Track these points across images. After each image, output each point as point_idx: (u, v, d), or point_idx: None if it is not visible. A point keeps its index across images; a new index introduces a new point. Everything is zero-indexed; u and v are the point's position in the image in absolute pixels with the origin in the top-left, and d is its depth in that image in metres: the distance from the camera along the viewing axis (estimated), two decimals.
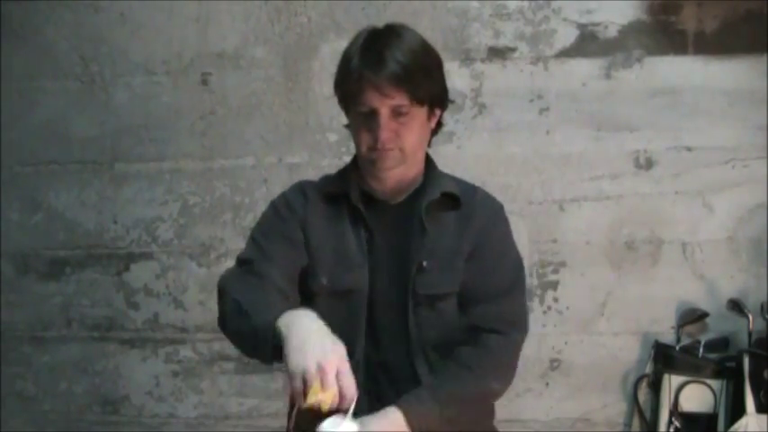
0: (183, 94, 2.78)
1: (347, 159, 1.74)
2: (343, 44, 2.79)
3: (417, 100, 1.52)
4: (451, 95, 2.59)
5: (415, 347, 1.56)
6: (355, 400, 1.30)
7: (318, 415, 1.29)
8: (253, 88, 2.75)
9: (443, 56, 2.64)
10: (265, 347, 1.38)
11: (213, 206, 2.78)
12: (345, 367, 1.30)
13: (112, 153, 2.82)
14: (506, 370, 1.59)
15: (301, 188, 1.68)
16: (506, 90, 2.64)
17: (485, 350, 1.54)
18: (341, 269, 1.58)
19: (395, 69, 1.49)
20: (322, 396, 1.26)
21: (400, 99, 1.50)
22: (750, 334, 2.44)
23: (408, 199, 1.62)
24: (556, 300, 2.64)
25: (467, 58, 2.65)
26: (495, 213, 1.66)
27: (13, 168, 2.88)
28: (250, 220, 2.75)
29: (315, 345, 1.31)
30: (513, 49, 2.64)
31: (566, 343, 2.64)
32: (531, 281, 2.63)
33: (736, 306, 2.47)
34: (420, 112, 1.55)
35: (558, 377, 2.65)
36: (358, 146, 1.57)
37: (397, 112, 1.51)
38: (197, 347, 2.80)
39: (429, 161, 1.66)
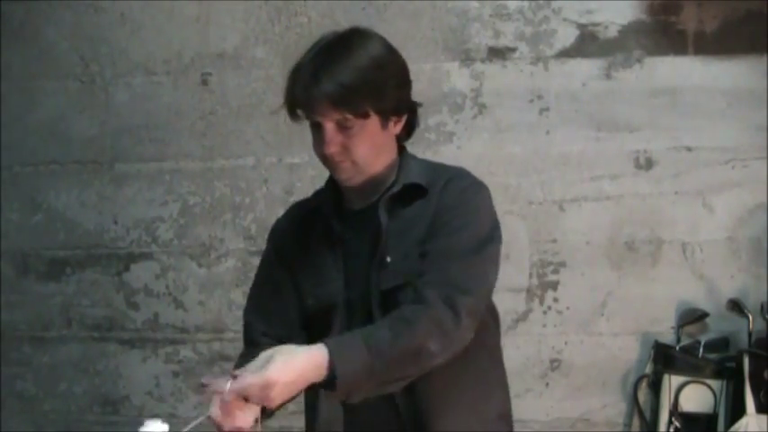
0: (183, 94, 2.78)
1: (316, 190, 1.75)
2: None
3: (361, 115, 1.47)
4: (451, 95, 2.64)
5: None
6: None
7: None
8: (253, 88, 2.75)
9: (443, 56, 2.68)
10: None
11: (213, 206, 2.78)
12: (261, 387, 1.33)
13: (112, 153, 2.82)
14: (446, 332, 1.42)
15: (286, 214, 1.72)
16: (506, 90, 2.64)
17: (424, 307, 1.42)
18: (319, 287, 1.57)
19: (329, 90, 1.44)
20: (247, 414, 1.37)
21: (340, 115, 1.46)
22: (750, 334, 2.44)
23: (376, 202, 1.57)
24: (556, 300, 2.64)
25: (467, 58, 2.65)
26: (457, 193, 1.55)
27: (13, 168, 2.88)
28: (250, 220, 2.75)
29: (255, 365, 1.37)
30: (513, 50, 2.64)
31: (566, 343, 2.64)
32: (531, 281, 2.63)
33: (736, 306, 2.47)
34: (370, 123, 1.49)
35: (558, 377, 2.65)
36: (317, 155, 1.55)
37: (342, 125, 1.47)
38: (197, 347, 2.80)
39: (404, 158, 1.61)
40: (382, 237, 1.53)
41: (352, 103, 1.45)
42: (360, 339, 1.38)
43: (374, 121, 1.49)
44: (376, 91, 1.48)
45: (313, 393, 1.50)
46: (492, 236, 1.55)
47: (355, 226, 1.58)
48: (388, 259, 1.52)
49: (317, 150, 1.53)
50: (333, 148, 1.48)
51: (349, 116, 1.46)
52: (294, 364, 1.33)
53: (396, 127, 1.55)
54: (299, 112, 1.52)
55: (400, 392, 1.49)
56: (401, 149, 1.62)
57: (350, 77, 1.45)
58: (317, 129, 1.50)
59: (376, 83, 1.48)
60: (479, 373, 1.60)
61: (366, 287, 1.52)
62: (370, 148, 1.51)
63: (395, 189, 1.55)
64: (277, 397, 1.32)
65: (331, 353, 1.34)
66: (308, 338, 1.54)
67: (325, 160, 1.52)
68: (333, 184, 1.61)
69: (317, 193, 1.69)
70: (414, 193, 1.56)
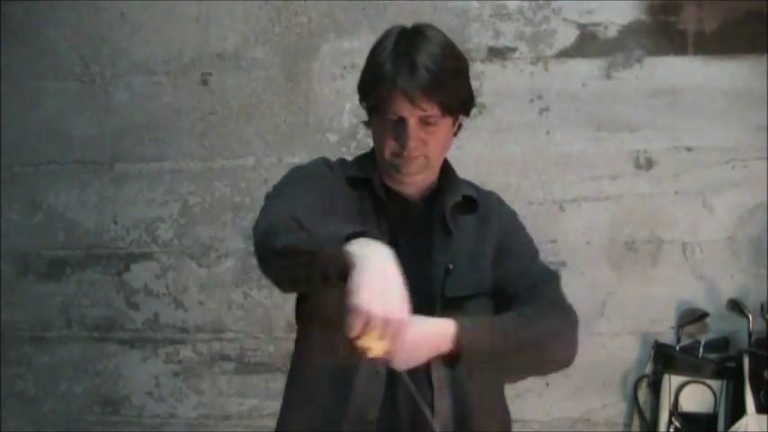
0: (183, 94, 2.78)
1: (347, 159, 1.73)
2: (343, 44, 2.81)
3: (447, 110, 1.50)
4: None
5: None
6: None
7: (357, 352, 1.24)
8: (253, 88, 2.75)
9: None
10: (329, 267, 1.27)
11: (213, 206, 2.78)
12: (403, 330, 1.24)
13: (112, 153, 2.82)
14: (566, 340, 1.51)
15: (326, 162, 1.64)
16: (506, 90, 2.64)
17: (539, 311, 1.50)
18: None
19: (427, 79, 1.46)
20: (374, 345, 1.21)
21: (430, 110, 1.48)
22: (750, 334, 2.44)
23: (427, 199, 1.59)
24: None
25: (467, 58, 2.64)
26: (512, 214, 1.67)
27: (13, 168, 2.88)
28: (250, 220, 2.75)
29: (390, 293, 1.22)
30: (513, 49, 2.65)
31: None
32: None
33: (736, 306, 2.47)
34: (447, 121, 1.53)
35: (558, 377, 2.62)
36: (381, 150, 1.54)
37: (425, 122, 1.49)
38: (197, 347, 2.80)
39: (446, 163, 1.65)
40: (445, 241, 1.55)
41: (444, 92, 1.48)
42: (486, 321, 1.43)
43: (449, 120, 1.53)
44: (459, 82, 1.53)
45: (347, 373, 1.47)
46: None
47: (403, 216, 1.57)
48: (450, 266, 1.52)
49: (390, 145, 1.52)
50: (415, 143, 1.50)
51: (435, 113, 1.48)
52: (423, 327, 1.35)
53: (455, 126, 1.58)
54: (385, 106, 1.49)
55: (439, 394, 1.50)
56: None
57: (440, 67, 1.48)
58: (394, 124, 1.50)
59: (458, 73, 1.53)
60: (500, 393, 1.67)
61: (423, 288, 1.47)
62: (442, 146, 1.55)
63: (457, 198, 1.59)
64: (401, 350, 1.27)
65: (459, 326, 1.37)
66: None
67: (397, 156, 1.52)
68: (375, 168, 1.59)
69: (349, 164, 1.65)
70: (465, 205, 1.60)
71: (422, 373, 1.47)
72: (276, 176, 2.71)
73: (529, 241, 1.66)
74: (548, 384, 2.65)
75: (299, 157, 2.71)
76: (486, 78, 2.65)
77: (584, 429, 2.63)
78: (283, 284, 1.47)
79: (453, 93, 1.50)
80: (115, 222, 2.83)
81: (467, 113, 1.59)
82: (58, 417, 2.88)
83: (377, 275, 1.22)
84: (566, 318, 1.54)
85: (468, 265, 1.55)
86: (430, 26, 1.58)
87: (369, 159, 1.63)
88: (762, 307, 2.43)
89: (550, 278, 1.61)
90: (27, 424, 2.89)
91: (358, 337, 1.21)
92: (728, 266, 2.58)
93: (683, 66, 2.59)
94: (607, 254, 2.62)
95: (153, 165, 2.80)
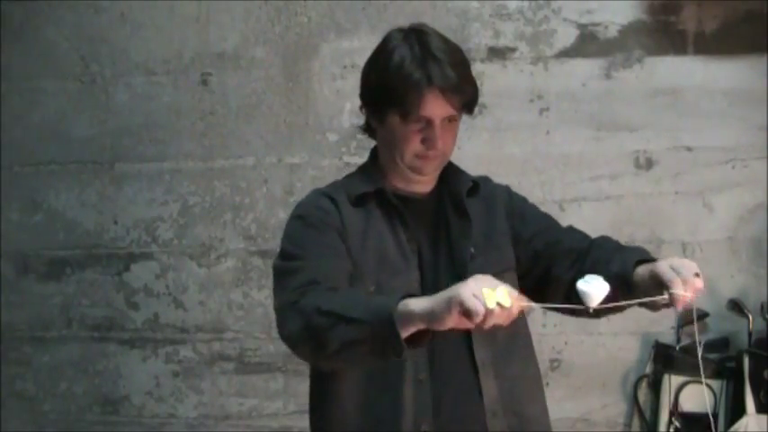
0: (183, 94, 2.78)
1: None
2: (343, 44, 2.80)
3: (468, 107, 1.54)
4: None
5: (477, 337, 1.50)
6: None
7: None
8: (253, 88, 2.75)
9: None
10: (392, 337, 1.27)
11: (213, 206, 2.78)
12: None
13: (112, 153, 2.82)
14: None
15: (324, 194, 1.59)
16: (506, 90, 2.64)
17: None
18: (386, 274, 1.51)
19: (456, 77, 1.48)
20: (498, 293, 1.22)
21: (454, 108, 1.50)
22: (750, 334, 2.44)
23: (433, 191, 1.60)
24: None
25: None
26: (508, 188, 1.72)
27: (13, 168, 2.88)
28: (250, 220, 2.75)
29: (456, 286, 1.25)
30: (513, 49, 2.65)
31: (566, 343, 2.64)
32: None
33: (736, 306, 2.47)
34: (458, 119, 1.55)
35: (558, 377, 2.65)
36: (400, 153, 1.53)
37: (448, 120, 1.51)
38: (197, 347, 2.80)
39: None
40: (462, 227, 1.57)
41: (464, 90, 1.51)
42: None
43: (464, 114, 1.56)
44: (471, 78, 1.56)
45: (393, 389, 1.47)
46: None
47: (416, 215, 1.58)
48: (473, 250, 1.55)
49: (414, 148, 1.51)
50: (442, 143, 1.51)
51: (456, 111, 1.51)
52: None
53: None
54: (410, 110, 1.49)
55: (485, 374, 1.51)
56: None
57: (459, 64, 1.51)
58: (419, 127, 1.50)
59: (469, 69, 1.56)
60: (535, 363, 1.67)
61: (450, 277, 1.45)
62: (454, 142, 1.58)
63: (467, 184, 1.61)
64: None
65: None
66: None
67: (420, 157, 1.52)
68: (375, 167, 1.60)
69: (351, 182, 1.62)
70: (468, 190, 1.62)
71: (464, 355, 1.50)
72: (276, 176, 2.74)
73: (535, 205, 1.74)
74: (548, 384, 2.64)
75: (299, 157, 2.71)
76: (486, 78, 2.64)
77: (584, 429, 2.63)
78: (356, 366, 1.48)
79: (469, 89, 1.53)
80: (115, 222, 2.83)
81: (472, 110, 1.61)
82: (58, 417, 2.88)
83: (438, 295, 1.27)
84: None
85: (487, 245, 1.57)
86: (427, 26, 1.58)
87: (371, 170, 1.61)
88: (762, 307, 2.43)
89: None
90: (27, 424, 2.89)
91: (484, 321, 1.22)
92: (728, 266, 2.58)
93: (683, 66, 2.59)
94: None
95: (153, 165, 2.80)
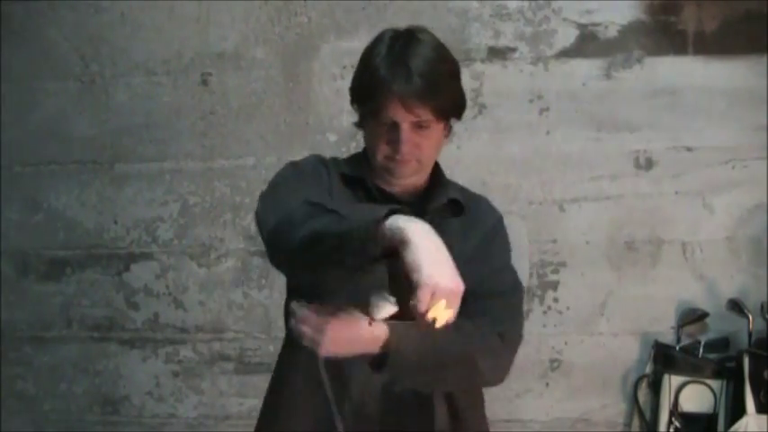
0: (183, 94, 2.78)
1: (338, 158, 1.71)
2: (343, 44, 2.80)
3: (441, 115, 1.50)
4: None
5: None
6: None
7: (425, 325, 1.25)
8: (253, 88, 2.75)
9: None
10: (368, 246, 1.24)
11: (213, 206, 2.78)
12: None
13: (112, 153, 2.82)
14: (496, 355, 1.49)
15: (319, 159, 1.64)
16: (506, 90, 2.64)
17: (475, 329, 1.47)
18: None
19: (422, 85, 1.46)
20: (442, 314, 1.22)
21: (424, 114, 1.48)
22: (750, 334, 2.44)
23: (415, 201, 1.58)
24: (556, 300, 2.64)
25: (467, 59, 2.65)
26: (498, 222, 1.65)
27: (13, 168, 2.88)
28: (250, 220, 2.75)
29: (449, 265, 1.24)
30: (513, 50, 2.65)
31: (566, 343, 2.64)
32: (531, 281, 2.63)
33: (736, 306, 2.47)
34: (440, 126, 1.53)
35: (558, 377, 2.65)
36: (374, 153, 1.54)
37: (418, 126, 1.49)
38: (197, 347, 2.80)
39: (436, 165, 1.64)
40: None
41: (437, 97, 1.48)
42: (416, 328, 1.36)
43: (441, 122, 1.53)
44: (451, 86, 1.53)
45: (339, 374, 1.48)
46: (520, 281, 1.64)
47: None
48: None
49: (384, 150, 1.52)
50: (408, 147, 1.49)
51: (428, 117, 1.48)
52: (354, 326, 1.35)
53: (447, 130, 1.58)
54: (379, 110, 1.49)
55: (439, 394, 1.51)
56: None
57: (434, 71, 1.48)
58: (387, 129, 1.50)
59: (451, 76, 1.53)
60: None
61: None
62: (434, 150, 1.55)
63: (441, 200, 1.58)
64: (327, 342, 1.34)
65: (392, 332, 1.37)
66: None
67: (390, 159, 1.52)
68: (365, 159, 1.59)
69: (342, 162, 1.65)
70: (451, 208, 1.59)
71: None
72: None
73: (504, 250, 1.63)
74: (548, 384, 2.65)
75: (299, 157, 2.70)
76: (486, 78, 2.65)
77: (584, 429, 2.63)
78: (306, 273, 1.45)
79: (447, 97, 1.50)
80: (115, 222, 2.83)
81: (459, 117, 1.59)
82: (58, 417, 2.88)
83: (432, 247, 1.23)
84: (505, 337, 1.51)
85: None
86: (422, 29, 1.56)
87: (361, 159, 1.62)
88: (762, 307, 2.43)
89: (511, 291, 1.58)
90: (27, 424, 2.90)
91: (426, 311, 1.21)
92: (728, 266, 2.58)
93: (683, 66, 2.59)
94: (607, 254, 2.62)
95: (153, 165, 2.80)
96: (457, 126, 2.62)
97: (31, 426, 2.90)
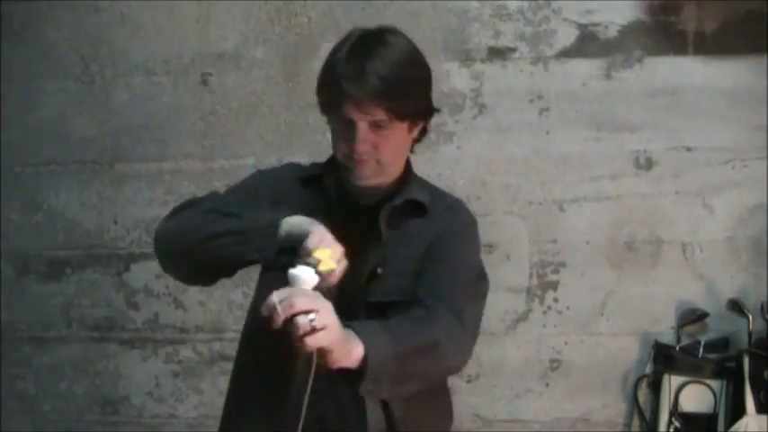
0: (183, 94, 2.78)
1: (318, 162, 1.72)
2: None
3: (397, 116, 1.47)
4: (451, 95, 2.65)
5: None
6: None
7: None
8: (253, 88, 2.75)
9: (443, 56, 2.68)
10: (271, 243, 1.38)
11: None
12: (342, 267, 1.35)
13: (112, 153, 2.82)
14: (457, 339, 1.44)
15: (284, 168, 1.69)
16: (506, 90, 2.64)
17: (435, 312, 1.42)
18: None
19: (375, 85, 1.44)
20: (327, 261, 1.30)
21: (379, 115, 1.46)
22: (750, 334, 2.44)
23: (378, 203, 1.56)
24: (556, 300, 2.64)
25: (467, 59, 2.65)
26: (459, 224, 1.59)
27: (13, 168, 2.88)
28: None
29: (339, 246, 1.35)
30: (513, 50, 2.64)
31: (566, 343, 2.64)
32: (531, 281, 2.64)
33: (736, 306, 2.47)
34: (401, 127, 1.50)
35: (558, 377, 2.65)
36: (334, 149, 1.55)
37: (376, 125, 1.48)
38: (197, 347, 2.80)
39: (407, 167, 1.62)
40: (376, 245, 1.52)
41: (393, 98, 1.46)
42: (381, 327, 1.35)
43: (403, 125, 1.51)
44: (412, 89, 1.50)
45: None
46: (484, 274, 1.59)
47: (350, 218, 1.56)
48: (380, 270, 1.50)
49: (342, 148, 1.52)
50: (365, 147, 1.48)
51: (384, 117, 1.46)
52: (345, 333, 1.28)
53: (414, 131, 1.56)
54: (334, 108, 1.50)
55: (372, 402, 1.48)
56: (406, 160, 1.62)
57: (392, 72, 1.46)
58: (345, 126, 1.49)
59: (413, 80, 1.50)
60: (433, 391, 1.58)
61: (350, 290, 1.46)
62: (396, 150, 1.53)
63: (397, 201, 1.55)
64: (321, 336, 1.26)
65: (367, 347, 1.29)
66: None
67: (348, 158, 1.51)
68: (334, 168, 1.59)
69: (314, 166, 1.68)
70: (412, 209, 1.56)
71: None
72: None
73: (464, 248, 1.57)
74: (548, 384, 2.65)
75: (299, 157, 2.67)
76: (486, 78, 2.65)
77: (584, 429, 2.63)
78: (201, 274, 1.56)
79: (404, 100, 1.47)
80: (115, 222, 2.83)
81: (424, 120, 1.56)
82: (58, 417, 2.88)
83: (324, 230, 1.36)
84: (464, 322, 1.45)
85: (399, 270, 1.50)
86: (393, 30, 1.55)
87: (331, 162, 1.62)
88: (762, 307, 2.43)
89: (471, 283, 1.53)
90: (27, 424, 2.90)
91: (312, 252, 1.30)
92: (728, 266, 2.58)
93: (683, 66, 2.59)
94: (607, 254, 2.62)
95: (153, 165, 2.80)
96: (457, 126, 2.65)
97: (31, 426, 2.90)
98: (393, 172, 1.56)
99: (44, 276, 2.88)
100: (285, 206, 1.52)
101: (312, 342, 1.23)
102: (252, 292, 2.81)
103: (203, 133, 2.78)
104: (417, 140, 1.60)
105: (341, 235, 1.45)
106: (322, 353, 1.25)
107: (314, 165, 1.69)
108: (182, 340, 2.81)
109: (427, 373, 1.42)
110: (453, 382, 2.65)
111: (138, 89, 2.80)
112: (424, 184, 1.63)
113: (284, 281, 1.28)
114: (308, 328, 1.22)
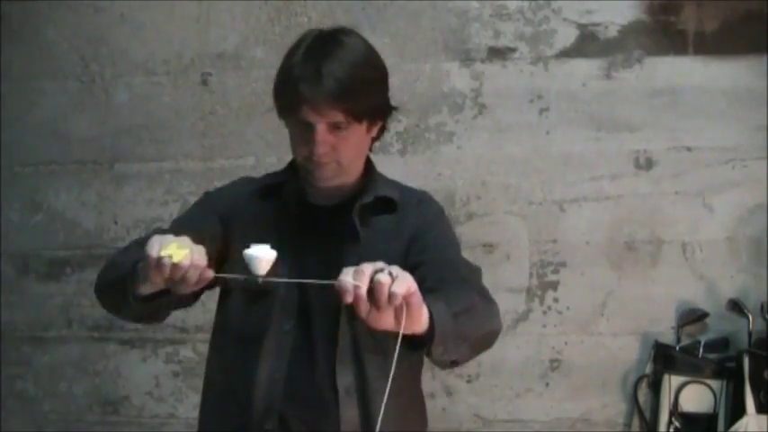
0: (183, 94, 2.78)
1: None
2: None
3: (354, 117, 1.47)
4: (451, 95, 2.65)
5: (343, 357, 1.49)
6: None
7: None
8: (253, 88, 2.75)
9: (443, 56, 2.68)
10: (137, 284, 1.42)
11: None
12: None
13: (112, 153, 2.82)
14: (487, 306, 1.43)
15: (235, 184, 1.69)
16: (506, 90, 2.64)
17: (457, 287, 1.41)
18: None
19: (332, 87, 1.44)
20: (176, 252, 1.30)
21: (337, 116, 1.46)
22: (750, 334, 2.44)
23: (343, 203, 1.56)
24: (556, 300, 2.64)
25: (467, 59, 2.65)
26: (434, 214, 1.61)
27: (13, 168, 2.88)
28: None
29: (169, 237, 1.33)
30: (513, 50, 2.65)
31: (566, 343, 2.64)
32: (531, 281, 2.64)
33: (736, 306, 2.47)
34: (359, 127, 1.50)
35: (558, 377, 2.65)
36: (294, 152, 1.55)
37: (335, 127, 1.48)
38: (197, 347, 2.80)
39: (369, 165, 1.62)
40: (352, 244, 1.52)
41: (350, 100, 1.46)
42: (441, 301, 1.31)
43: (362, 125, 1.51)
44: (369, 89, 1.50)
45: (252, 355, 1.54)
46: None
47: (314, 222, 1.56)
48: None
49: (301, 150, 1.52)
50: (324, 149, 1.48)
51: (342, 119, 1.46)
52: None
53: (373, 131, 1.56)
54: (292, 110, 1.50)
55: (345, 400, 1.49)
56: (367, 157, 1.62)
57: (348, 74, 1.46)
58: (304, 129, 1.49)
59: (369, 80, 1.50)
60: (404, 388, 1.56)
61: (334, 294, 1.40)
62: (356, 151, 1.53)
63: (367, 199, 1.56)
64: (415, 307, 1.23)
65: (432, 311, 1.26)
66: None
67: (308, 161, 1.51)
68: (294, 172, 1.60)
69: (272, 176, 1.67)
70: (382, 206, 1.57)
71: (325, 378, 1.49)
72: None
73: (446, 234, 1.59)
74: (548, 384, 2.65)
75: None
76: (486, 78, 2.65)
77: (584, 429, 2.63)
78: (122, 313, 1.66)
79: (361, 100, 1.47)
80: (115, 222, 2.83)
81: (383, 119, 1.57)
82: (58, 417, 2.88)
83: (158, 236, 1.34)
84: (481, 292, 1.46)
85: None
86: (349, 31, 1.55)
87: (288, 170, 1.63)
88: (762, 307, 2.43)
89: (473, 272, 1.55)
90: (27, 424, 2.90)
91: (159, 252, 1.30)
92: (728, 266, 2.58)
93: (683, 66, 2.59)
94: (607, 254, 2.62)
95: (153, 165, 2.80)
96: (457, 126, 2.65)
97: (31, 426, 2.90)
98: (353, 172, 1.57)
99: (44, 276, 2.88)
100: (239, 221, 1.57)
101: (403, 289, 1.17)
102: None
103: (203, 133, 2.78)
104: (376, 139, 1.60)
105: (312, 239, 1.50)
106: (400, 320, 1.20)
107: (267, 175, 1.70)
108: (182, 340, 2.81)
109: (476, 335, 1.39)
110: (453, 382, 2.67)
111: (138, 89, 2.80)
112: (389, 182, 1.64)
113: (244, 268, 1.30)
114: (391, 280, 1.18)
